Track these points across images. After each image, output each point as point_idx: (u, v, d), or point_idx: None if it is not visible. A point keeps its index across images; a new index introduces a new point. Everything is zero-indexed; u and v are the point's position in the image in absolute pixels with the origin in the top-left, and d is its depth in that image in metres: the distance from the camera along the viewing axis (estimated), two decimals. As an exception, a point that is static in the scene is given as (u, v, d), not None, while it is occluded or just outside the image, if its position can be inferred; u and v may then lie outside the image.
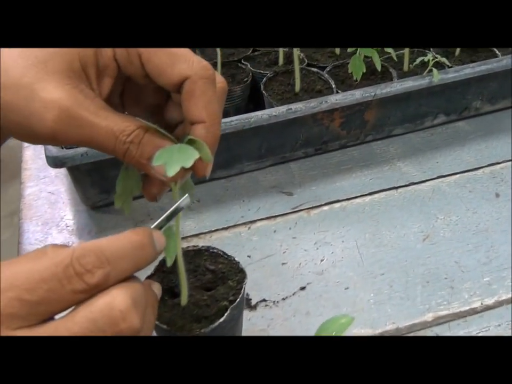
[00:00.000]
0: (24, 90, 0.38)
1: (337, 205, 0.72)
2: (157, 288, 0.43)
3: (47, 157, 0.65)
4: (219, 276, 0.53)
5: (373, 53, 0.74)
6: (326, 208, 0.71)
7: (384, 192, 0.73)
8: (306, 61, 0.82)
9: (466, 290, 0.61)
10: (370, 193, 0.73)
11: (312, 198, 0.73)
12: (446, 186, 0.73)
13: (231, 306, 0.49)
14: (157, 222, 0.41)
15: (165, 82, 0.41)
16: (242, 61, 0.84)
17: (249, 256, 0.66)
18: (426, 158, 0.78)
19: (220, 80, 0.43)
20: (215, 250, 0.55)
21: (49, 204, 0.75)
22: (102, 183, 0.70)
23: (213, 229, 0.70)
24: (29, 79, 0.38)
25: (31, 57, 0.39)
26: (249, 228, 0.69)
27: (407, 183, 0.74)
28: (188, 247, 0.55)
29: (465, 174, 0.75)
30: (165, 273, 0.52)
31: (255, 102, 0.82)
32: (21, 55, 0.39)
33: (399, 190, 0.73)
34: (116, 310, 0.32)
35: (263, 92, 0.77)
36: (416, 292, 0.61)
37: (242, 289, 0.51)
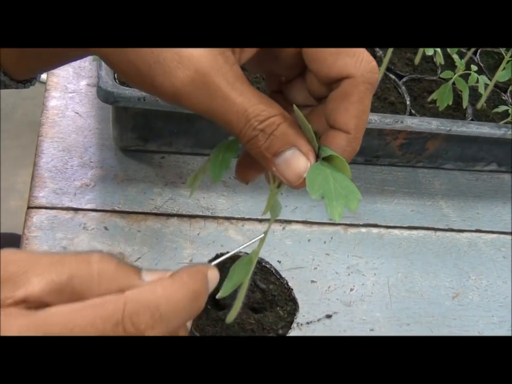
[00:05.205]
0: None
1: (375, 230, 0.68)
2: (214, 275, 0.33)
3: (99, 88, 0.57)
4: (268, 298, 0.48)
5: (464, 87, 0.68)
6: (363, 230, 0.68)
7: (423, 231, 0.70)
8: (384, 62, 0.76)
9: (484, 367, 0.60)
10: (409, 227, 0.70)
11: (351, 213, 0.68)
12: (483, 244, 0.71)
13: (279, 341, 0.45)
14: (221, 259, 0.39)
15: (320, 72, 0.33)
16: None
17: (279, 262, 0.61)
18: (468, 205, 0.75)
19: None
20: (267, 266, 0.50)
21: (75, 127, 0.67)
22: (144, 130, 0.63)
23: (246, 217, 0.65)
24: None
25: None
26: (283, 228, 0.65)
27: (446, 228, 0.71)
28: (240, 252, 0.50)
29: (502, 236, 0.73)
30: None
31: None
32: None
33: (437, 233, 0.70)
34: None
35: (337, 84, 0.70)
36: (437, 354, 0.59)
37: (293, 323, 0.47)
